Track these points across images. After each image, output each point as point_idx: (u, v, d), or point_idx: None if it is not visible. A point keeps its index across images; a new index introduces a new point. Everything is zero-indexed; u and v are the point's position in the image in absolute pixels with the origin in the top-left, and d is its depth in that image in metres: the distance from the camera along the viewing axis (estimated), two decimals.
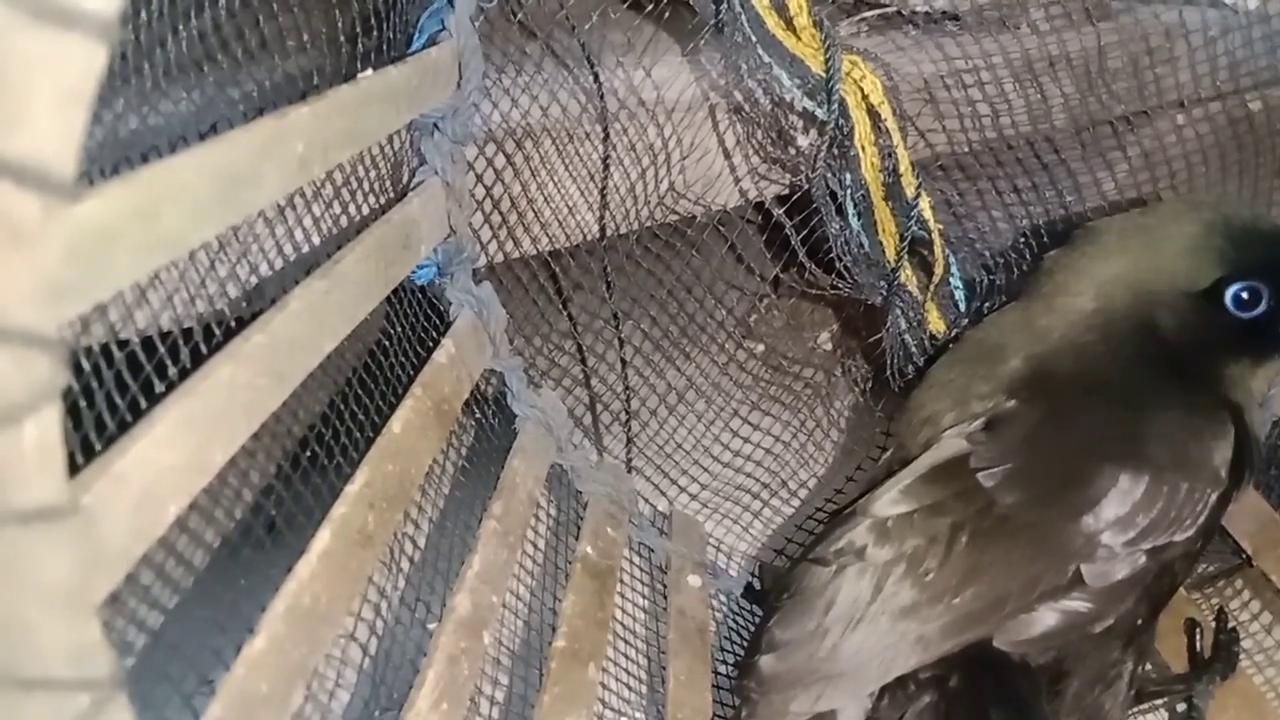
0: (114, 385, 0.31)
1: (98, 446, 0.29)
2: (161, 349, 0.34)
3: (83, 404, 0.29)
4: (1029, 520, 0.50)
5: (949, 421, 0.56)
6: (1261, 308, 0.56)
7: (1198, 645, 0.62)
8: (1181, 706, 0.60)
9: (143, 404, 0.32)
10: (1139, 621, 0.53)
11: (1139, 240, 0.59)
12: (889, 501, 0.52)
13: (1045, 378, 0.56)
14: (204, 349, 0.36)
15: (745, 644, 0.65)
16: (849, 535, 0.52)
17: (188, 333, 0.36)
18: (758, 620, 0.68)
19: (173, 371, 0.34)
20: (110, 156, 0.35)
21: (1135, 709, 0.59)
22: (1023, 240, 0.74)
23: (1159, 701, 0.61)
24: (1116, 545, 0.50)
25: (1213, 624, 0.63)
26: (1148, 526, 0.50)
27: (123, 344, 0.33)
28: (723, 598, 0.69)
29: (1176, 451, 0.53)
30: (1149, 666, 0.58)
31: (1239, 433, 0.54)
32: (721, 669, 0.63)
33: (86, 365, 0.30)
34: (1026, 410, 0.54)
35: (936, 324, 0.71)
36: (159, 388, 0.33)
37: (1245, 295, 0.56)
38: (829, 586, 0.50)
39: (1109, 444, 0.52)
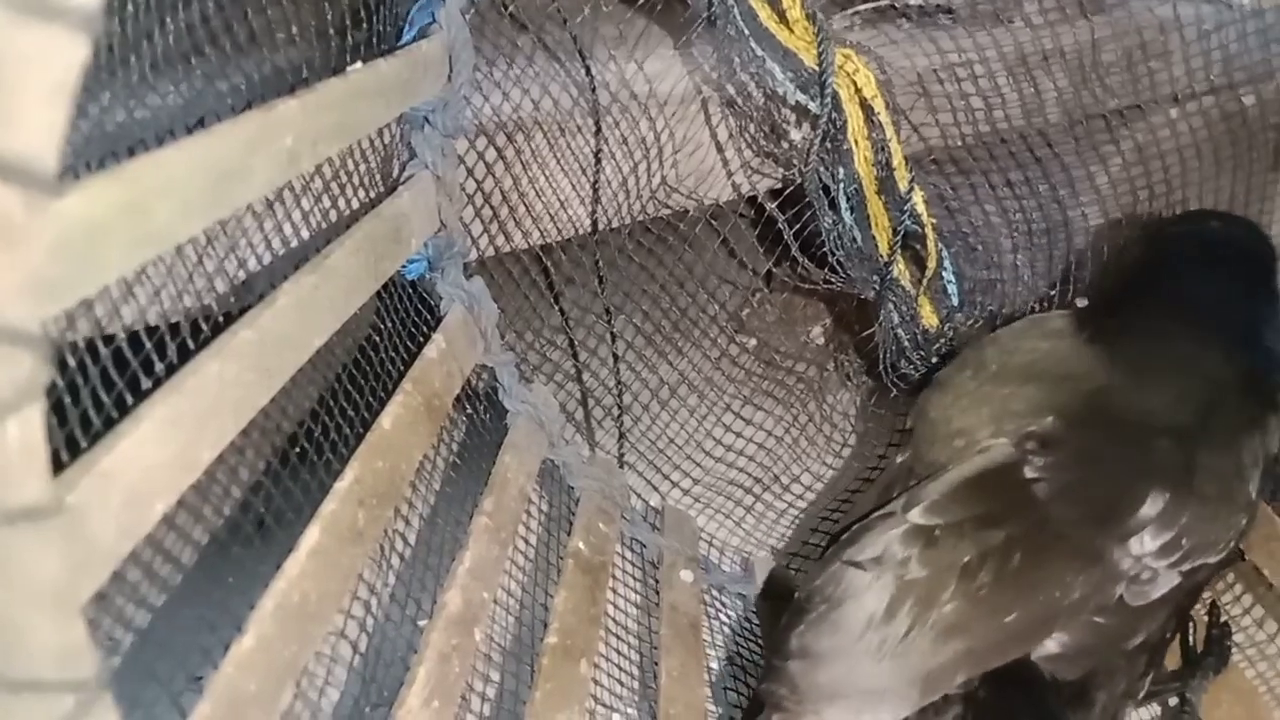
0: (100, 382, 0.31)
1: (83, 444, 0.28)
2: (148, 345, 0.34)
3: (68, 401, 0.29)
4: (1083, 538, 0.50)
5: (986, 435, 0.55)
6: None
7: (1190, 639, 0.62)
8: (1174, 701, 0.60)
9: (129, 401, 0.31)
10: (1167, 635, 0.54)
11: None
12: (933, 508, 0.51)
13: (1098, 400, 0.55)
14: (191, 345, 0.35)
15: (766, 646, 0.65)
16: (886, 541, 0.50)
17: (175, 328, 0.36)
18: (758, 617, 0.68)
19: (160, 368, 0.33)
20: (97, 150, 0.34)
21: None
22: (1017, 235, 0.74)
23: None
24: (1160, 567, 0.50)
25: (1205, 619, 0.63)
26: (1189, 550, 0.51)
27: (109, 340, 0.33)
28: (715, 593, 0.69)
29: (1221, 485, 0.53)
30: None
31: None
32: (714, 665, 0.63)
33: (71, 361, 0.30)
34: (1078, 429, 0.54)
35: (929, 318, 0.71)
36: (146, 384, 0.32)
37: None
38: (867, 594, 0.49)
39: (1159, 471, 0.52)
